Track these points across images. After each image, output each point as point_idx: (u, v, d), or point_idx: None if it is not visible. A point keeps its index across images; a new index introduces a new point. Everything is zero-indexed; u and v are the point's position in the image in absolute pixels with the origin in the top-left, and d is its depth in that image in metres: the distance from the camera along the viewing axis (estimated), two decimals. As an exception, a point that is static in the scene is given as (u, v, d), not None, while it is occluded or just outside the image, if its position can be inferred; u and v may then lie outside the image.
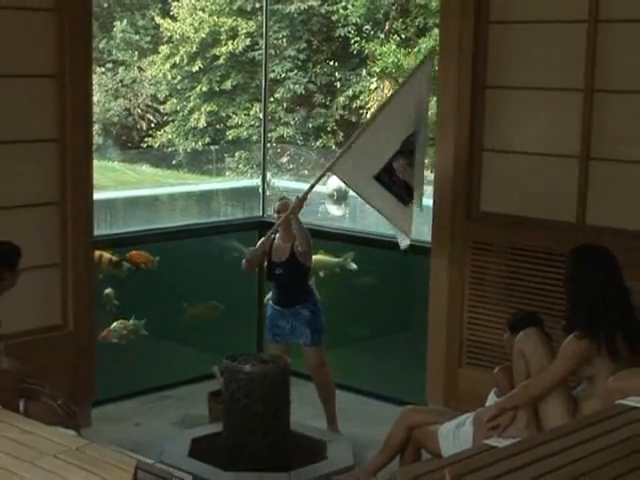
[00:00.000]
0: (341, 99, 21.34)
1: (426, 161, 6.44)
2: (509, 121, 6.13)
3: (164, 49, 22.77)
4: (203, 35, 21.96)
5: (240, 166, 21.54)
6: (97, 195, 6.39)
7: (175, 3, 22.85)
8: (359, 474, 5.20)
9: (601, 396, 4.31)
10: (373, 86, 21.05)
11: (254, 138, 20.79)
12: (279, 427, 5.63)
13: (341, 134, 21.57)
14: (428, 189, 6.47)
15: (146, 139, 24.13)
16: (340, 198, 12.75)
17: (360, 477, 5.12)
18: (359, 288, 7.66)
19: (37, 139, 5.93)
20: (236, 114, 21.81)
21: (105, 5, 24.59)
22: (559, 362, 4.51)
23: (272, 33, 20.46)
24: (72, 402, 4.77)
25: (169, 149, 23.33)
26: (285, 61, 21.39)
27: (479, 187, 6.26)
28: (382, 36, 20.92)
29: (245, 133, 21.53)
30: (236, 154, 21.81)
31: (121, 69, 24.29)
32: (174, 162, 23.36)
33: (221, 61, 21.93)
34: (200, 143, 22.98)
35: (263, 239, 6.25)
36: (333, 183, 13.01)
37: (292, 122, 21.45)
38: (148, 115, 24.77)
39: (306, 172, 21.01)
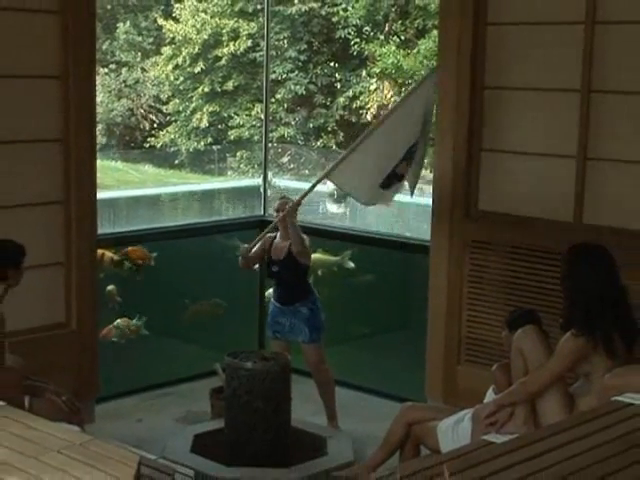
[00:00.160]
0: (341, 100, 21.34)
1: (425, 161, 6.45)
2: (507, 121, 6.12)
3: (167, 50, 22.78)
4: (205, 36, 21.97)
5: (242, 166, 21.55)
6: (100, 194, 6.39)
7: (177, 5, 22.85)
8: (359, 470, 5.19)
9: (598, 393, 4.32)
10: (373, 87, 21.06)
11: (255, 138, 20.80)
12: (280, 423, 5.64)
13: (341, 134, 21.58)
14: (428, 188, 6.48)
15: (149, 139, 24.14)
16: (340, 197, 12.74)
17: (360, 473, 5.12)
18: (359, 286, 7.67)
19: (41, 139, 5.94)
20: (238, 114, 21.82)
21: (108, 7, 24.59)
22: (556, 359, 4.52)
23: (273, 34, 20.46)
24: (76, 399, 4.76)
25: (171, 149, 23.33)
26: (286, 62, 21.39)
27: (478, 187, 6.26)
28: (382, 37, 20.93)
29: (246, 133, 21.54)
30: (238, 154, 21.81)
31: (124, 70, 24.31)
32: (176, 162, 23.37)
33: (223, 62, 21.94)
34: (202, 143, 22.99)
35: (257, 238, 6.25)
36: (333, 182, 12.99)
37: (293, 122, 21.46)
38: (151, 115, 24.78)
39: (307, 172, 21.02)
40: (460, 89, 6.15)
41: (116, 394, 6.83)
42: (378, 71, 20.56)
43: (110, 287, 6.80)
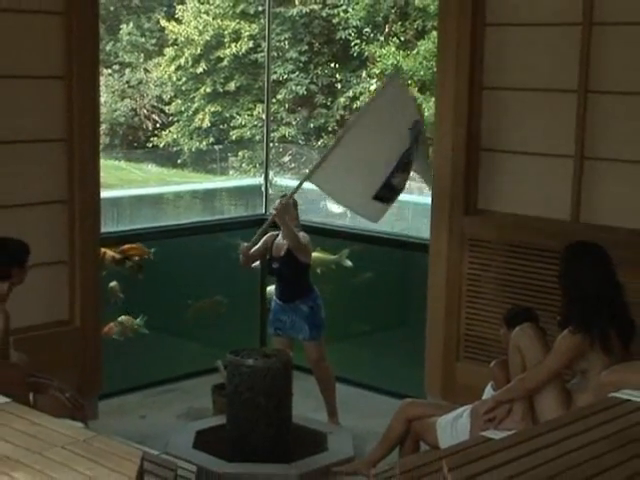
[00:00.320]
0: (342, 100, 21.33)
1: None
2: (506, 121, 6.12)
3: (169, 51, 22.77)
4: (207, 38, 21.96)
5: (243, 165, 21.54)
6: (104, 193, 6.39)
7: (180, 6, 22.85)
8: (359, 465, 5.20)
9: (595, 389, 4.32)
10: (373, 87, 21.03)
11: (257, 138, 20.79)
12: (281, 419, 5.64)
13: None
14: (426, 187, 6.47)
15: (152, 139, 24.13)
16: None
17: (360, 468, 5.12)
18: (359, 284, 7.67)
19: (45, 139, 5.94)
20: (239, 114, 21.81)
21: (112, 8, 24.59)
22: (554, 356, 4.52)
23: (274, 36, 20.45)
24: (79, 395, 4.76)
25: (174, 149, 23.33)
26: (287, 63, 21.38)
27: (476, 186, 6.26)
28: (382, 38, 20.92)
29: (248, 133, 21.54)
30: (239, 153, 21.81)
31: (127, 71, 24.30)
32: (179, 161, 23.38)
33: (225, 63, 21.93)
34: (204, 143, 22.98)
35: (255, 236, 6.23)
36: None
37: (294, 122, 21.45)
38: (154, 115, 24.78)
39: (307, 171, 20.98)
40: (459, 89, 6.15)
41: (119, 391, 6.83)
42: (378, 72, 20.53)
43: (112, 283, 6.80)
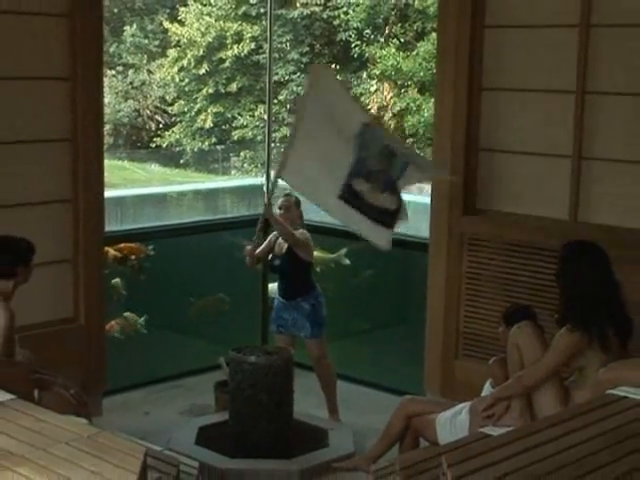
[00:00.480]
0: (342, 100, 21.33)
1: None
2: (504, 122, 6.12)
3: (172, 53, 22.81)
4: (210, 39, 21.99)
5: (245, 165, 21.59)
6: (108, 193, 6.39)
7: (183, 8, 22.88)
8: (359, 461, 5.20)
9: (592, 386, 4.32)
10: (373, 88, 21.07)
11: (258, 138, 20.82)
12: (283, 416, 5.64)
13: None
14: (426, 187, 6.47)
15: (155, 139, 24.17)
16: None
17: (360, 464, 5.13)
18: (360, 283, 7.67)
19: (50, 139, 5.94)
20: (241, 115, 21.84)
21: (115, 10, 24.61)
22: (552, 354, 4.52)
23: (276, 37, 20.46)
24: (83, 392, 4.77)
25: (177, 149, 23.38)
26: (288, 64, 21.41)
27: (475, 185, 6.26)
28: (382, 40, 20.94)
29: (250, 133, 21.57)
30: (241, 154, 21.85)
31: (131, 72, 24.34)
32: (182, 161, 23.41)
33: (227, 64, 21.96)
34: (207, 143, 23.02)
35: (256, 236, 6.21)
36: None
37: (295, 123, 21.44)
38: (157, 116, 24.82)
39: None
40: (458, 90, 6.15)
41: (123, 388, 6.84)
42: (378, 73, 20.57)
43: (115, 280, 6.80)
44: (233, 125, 22.04)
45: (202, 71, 22.03)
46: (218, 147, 23.21)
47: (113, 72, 23.84)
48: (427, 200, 6.66)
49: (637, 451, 3.37)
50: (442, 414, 4.88)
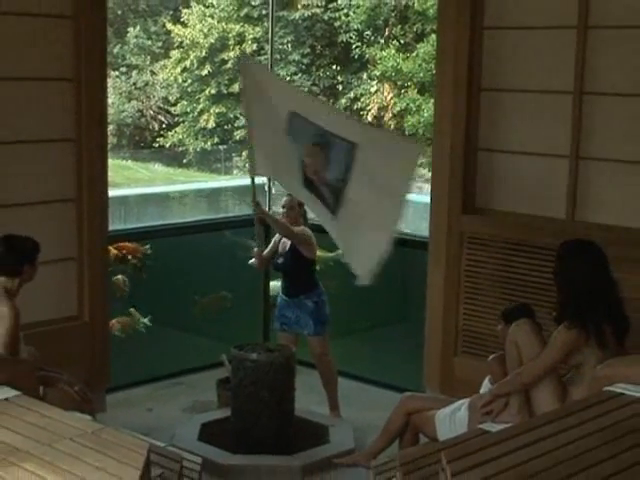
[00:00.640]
0: (343, 101, 21.35)
1: (423, 160, 6.41)
2: (503, 122, 6.12)
3: (175, 54, 22.81)
4: (212, 40, 21.99)
5: (247, 165, 21.54)
6: (111, 192, 6.39)
7: (186, 10, 22.87)
8: (359, 457, 5.20)
9: (589, 383, 4.32)
10: (373, 89, 21.06)
11: (260, 138, 20.79)
12: (284, 412, 5.64)
13: (343, 134, 21.56)
14: (426, 186, 6.47)
15: (158, 139, 24.17)
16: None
17: (360, 460, 5.13)
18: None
19: (55, 139, 5.94)
20: (243, 115, 21.83)
21: (119, 12, 24.61)
22: (549, 351, 4.52)
23: (277, 38, 20.46)
24: (88, 388, 4.77)
25: (180, 149, 23.38)
26: (290, 65, 21.41)
27: (474, 185, 6.26)
28: (382, 41, 20.93)
29: (252, 133, 21.54)
30: (243, 153, 21.84)
31: (134, 73, 24.33)
32: (184, 161, 23.42)
33: (229, 65, 21.96)
34: (209, 143, 23.02)
35: (256, 237, 6.21)
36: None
37: (296, 123, 21.43)
38: (160, 116, 24.81)
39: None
40: (457, 91, 6.15)
41: (127, 384, 6.84)
42: (378, 74, 20.56)
43: (117, 277, 6.78)
44: (235, 125, 22.04)
45: (205, 72, 22.02)
46: (220, 147, 23.20)
47: (117, 73, 23.83)
48: (427, 199, 6.66)
49: (634, 447, 3.37)
50: (441, 411, 4.88)
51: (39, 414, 3.53)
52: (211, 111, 22.14)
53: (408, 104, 19.85)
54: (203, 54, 22.03)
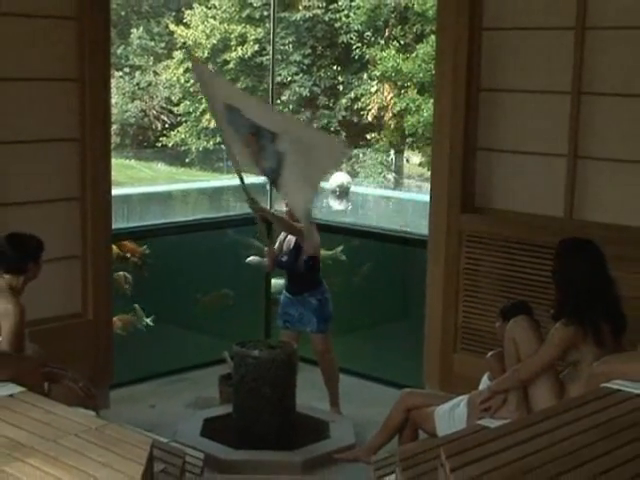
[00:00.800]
0: (343, 101, 21.35)
1: (422, 159, 6.42)
2: (502, 122, 6.12)
3: (178, 54, 22.80)
4: (214, 41, 21.98)
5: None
6: (115, 191, 6.39)
7: (188, 11, 22.86)
8: (360, 452, 5.20)
9: (587, 380, 4.32)
10: (374, 89, 21.06)
11: (262, 138, 20.77)
12: (285, 408, 5.65)
13: (344, 134, 21.58)
14: (425, 185, 6.47)
15: (161, 139, 24.15)
16: (342, 194, 12.75)
17: (360, 455, 5.13)
18: (361, 279, 7.67)
19: (59, 138, 5.94)
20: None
21: (123, 13, 24.60)
22: (547, 348, 4.52)
23: (279, 39, 20.45)
24: (92, 385, 4.77)
25: (182, 148, 23.36)
26: (291, 65, 21.39)
27: (473, 184, 6.26)
28: (382, 42, 20.92)
29: (254, 133, 21.52)
30: (245, 153, 21.79)
31: (137, 73, 24.32)
32: (187, 160, 23.40)
33: (231, 65, 21.94)
34: (211, 142, 22.99)
35: (265, 242, 6.22)
36: (336, 180, 13.02)
37: (298, 123, 21.42)
38: (163, 116, 24.80)
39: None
40: (457, 91, 6.14)
41: (130, 381, 6.84)
42: (378, 74, 20.54)
43: (117, 274, 6.78)
44: (237, 125, 22.02)
45: (207, 72, 22.03)
46: (222, 146, 23.15)
47: (120, 73, 23.82)
48: (426, 198, 6.66)
49: (631, 442, 3.37)
50: (441, 407, 4.88)
51: (44, 410, 3.53)
52: (213, 111, 22.13)
53: (408, 104, 19.84)
54: (205, 54, 22.02)
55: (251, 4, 21.80)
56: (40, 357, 4.72)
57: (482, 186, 6.25)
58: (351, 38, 20.93)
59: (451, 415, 4.81)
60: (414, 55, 20.02)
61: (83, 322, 6.14)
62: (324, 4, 21.42)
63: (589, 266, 4.58)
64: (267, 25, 20.21)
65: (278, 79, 19.76)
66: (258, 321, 7.61)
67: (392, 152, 21.37)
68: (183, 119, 23.62)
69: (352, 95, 21.18)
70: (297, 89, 21.21)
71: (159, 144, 24.10)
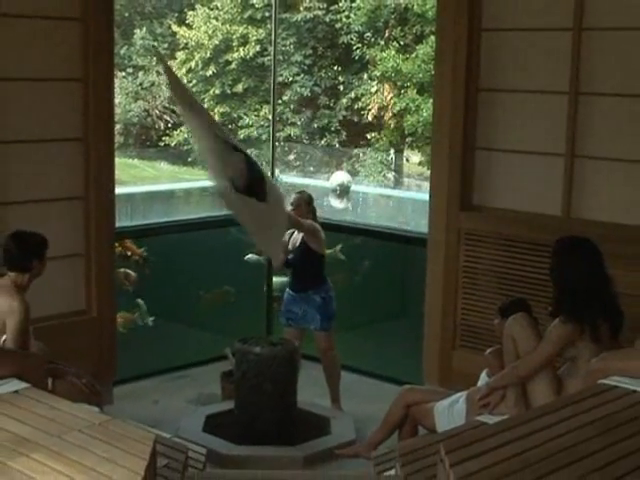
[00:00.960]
0: (344, 101, 21.32)
1: (422, 159, 6.43)
2: (500, 122, 6.12)
3: (180, 55, 22.76)
4: (216, 42, 21.95)
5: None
6: (118, 190, 6.40)
7: (191, 12, 22.83)
8: (360, 448, 5.20)
9: (584, 376, 4.31)
10: (374, 89, 21.03)
11: (263, 137, 20.78)
12: (286, 404, 5.65)
13: (344, 133, 21.57)
14: (424, 184, 6.47)
15: (163, 138, 24.13)
16: (343, 193, 12.74)
17: (361, 451, 5.13)
18: (361, 277, 7.67)
19: (63, 138, 5.94)
20: (247, 115, 21.80)
21: (126, 14, 24.58)
22: (545, 345, 4.52)
23: (280, 40, 20.42)
24: (95, 381, 4.78)
25: (185, 147, 23.33)
26: (292, 66, 21.37)
27: (472, 183, 6.26)
28: (382, 43, 20.89)
29: (255, 133, 21.52)
30: (247, 152, 21.78)
31: (141, 73, 24.29)
32: (190, 159, 23.36)
33: (233, 66, 21.92)
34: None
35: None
36: (336, 179, 13.00)
37: (299, 122, 21.44)
38: (165, 116, 24.77)
39: (312, 169, 21.01)
40: (456, 91, 6.14)
41: (133, 377, 6.84)
42: (379, 74, 20.51)
43: (119, 270, 6.78)
44: (239, 124, 21.99)
45: (209, 73, 21.97)
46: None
47: (123, 74, 23.79)
48: (426, 197, 6.66)
49: (628, 438, 3.37)
50: (440, 403, 4.88)
51: (48, 406, 3.53)
52: (215, 111, 22.07)
53: (407, 104, 19.82)
54: (208, 55, 21.98)
55: (253, 5, 21.77)
56: (44, 354, 4.73)
57: (481, 185, 6.25)
58: (351, 39, 20.90)
59: (450, 411, 4.81)
60: (414, 55, 19.99)
61: (87, 319, 6.14)
62: (325, 5, 21.40)
63: (586, 264, 4.58)
64: (269, 26, 20.19)
65: (279, 79, 19.74)
66: (260, 318, 7.61)
67: (392, 151, 21.35)
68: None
69: (352, 95, 21.15)
70: (298, 89, 21.18)
71: (162, 143, 24.07)
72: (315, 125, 21.48)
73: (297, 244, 6.30)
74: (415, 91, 19.92)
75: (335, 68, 21.78)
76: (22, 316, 4.48)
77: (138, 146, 24.77)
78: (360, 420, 6.02)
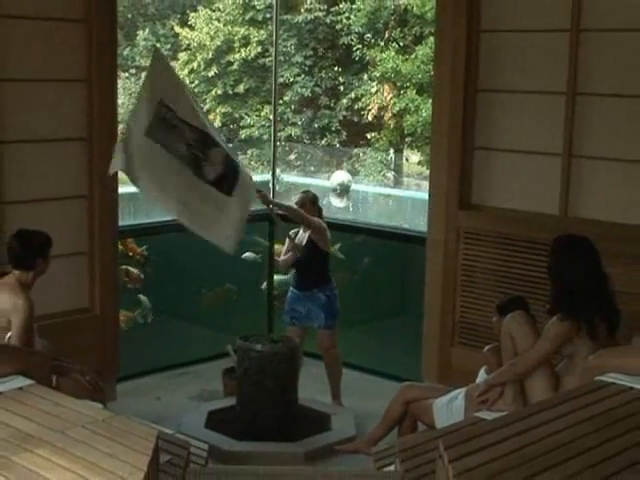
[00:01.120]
0: (344, 101, 21.30)
1: (421, 158, 6.43)
2: (499, 122, 6.12)
3: (183, 56, 22.75)
4: (218, 43, 21.93)
5: (252, 163, 21.53)
6: (122, 189, 6.40)
7: (193, 14, 22.82)
8: (360, 444, 5.21)
9: (581, 373, 4.32)
10: (374, 89, 21.02)
11: (265, 137, 20.79)
12: (287, 401, 5.65)
13: (344, 133, 21.56)
14: (424, 183, 6.47)
15: (166, 138, 24.07)
16: (343, 192, 12.75)
17: (361, 447, 5.13)
18: (361, 276, 7.66)
19: (67, 138, 5.95)
20: (248, 115, 21.79)
21: (129, 16, 24.58)
22: (543, 342, 4.52)
23: (281, 41, 20.41)
24: (99, 378, 4.78)
25: (186, 147, 23.28)
26: (293, 67, 21.36)
27: (471, 182, 6.26)
28: (382, 44, 20.88)
29: (256, 132, 21.52)
30: (248, 152, 21.79)
31: (143, 74, 24.25)
32: (191, 159, 23.31)
33: (235, 67, 21.91)
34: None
35: (289, 245, 6.28)
36: (337, 178, 13.01)
37: (299, 122, 21.43)
38: (167, 116, 24.72)
39: (312, 168, 21.01)
40: (455, 92, 6.14)
41: (136, 374, 6.84)
42: (378, 75, 20.50)
43: (120, 267, 6.77)
44: (240, 125, 21.99)
45: (211, 73, 21.96)
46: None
47: (127, 74, 23.80)
48: (425, 196, 6.66)
49: (625, 434, 3.38)
50: (439, 399, 4.88)
51: (52, 402, 3.53)
52: (217, 111, 22.08)
53: (407, 104, 19.81)
54: (210, 56, 21.97)
55: (254, 7, 21.77)
56: (49, 351, 4.73)
57: (480, 184, 6.25)
58: (352, 40, 20.89)
59: (449, 408, 4.81)
60: (413, 56, 19.98)
61: (90, 317, 6.15)
62: (325, 7, 21.39)
63: (584, 263, 4.58)
64: (270, 27, 20.18)
65: (280, 80, 19.73)
66: (261, 315, 7.60)
67: (392, 151, 21.34)
68: (187, 119, 23.56)
69: (352, 95, 21.14)
70: (299, 90, 21.17)
71: (164, 143, 24.05)
72: (316, 125, 21.47)
73: (303, 243, 6.30)
74: (414, 91, 19.91)
75: (335, 69, 21.76)
76: (26, 314, 4.48)
77: (141, 146, 24.73)
78: (360, 416, 6.02)
